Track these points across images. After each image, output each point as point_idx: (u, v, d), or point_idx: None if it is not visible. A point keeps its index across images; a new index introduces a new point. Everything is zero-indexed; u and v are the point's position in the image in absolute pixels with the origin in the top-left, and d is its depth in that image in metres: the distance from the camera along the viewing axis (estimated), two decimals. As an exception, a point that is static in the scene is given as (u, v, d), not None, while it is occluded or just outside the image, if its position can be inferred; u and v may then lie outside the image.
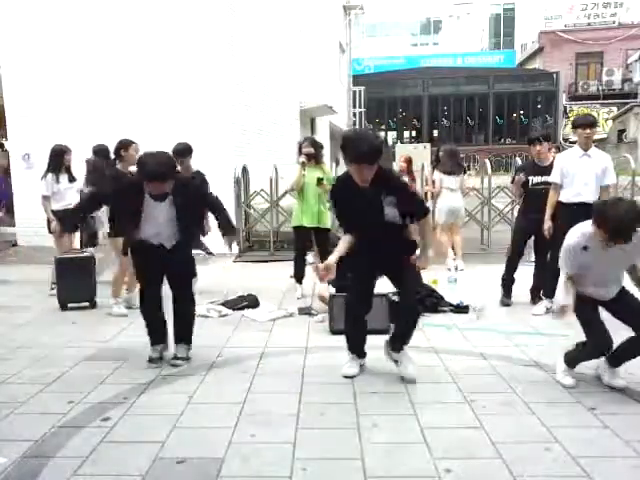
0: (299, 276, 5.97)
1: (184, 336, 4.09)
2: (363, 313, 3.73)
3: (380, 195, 3.47)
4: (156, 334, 4.09)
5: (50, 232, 6.13)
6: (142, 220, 3.85)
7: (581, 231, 3.32)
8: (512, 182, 5.93)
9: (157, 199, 3.80)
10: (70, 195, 6.23)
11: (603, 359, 3.50)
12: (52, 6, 9.05)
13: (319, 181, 5.64)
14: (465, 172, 7.40)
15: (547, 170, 5.24)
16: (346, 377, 3.67)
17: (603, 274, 3.40)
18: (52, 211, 6.13)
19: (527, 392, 3.38)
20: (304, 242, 6.01)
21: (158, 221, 3.85)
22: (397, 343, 3.69)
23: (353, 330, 3.80)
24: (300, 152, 5.87)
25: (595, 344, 3.44)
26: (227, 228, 4.13)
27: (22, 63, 9.23)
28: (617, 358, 3.46)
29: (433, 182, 7.51)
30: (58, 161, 6.17)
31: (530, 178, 5.40)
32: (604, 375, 3.50)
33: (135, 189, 3.83)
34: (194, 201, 4.02)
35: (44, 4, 9.08)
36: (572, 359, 3.56)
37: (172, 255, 3.95)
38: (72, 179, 6.23)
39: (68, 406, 3.28)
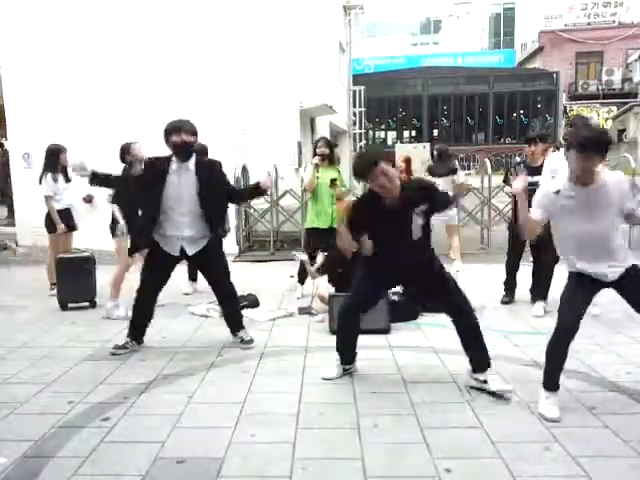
0: (302, 277, 5.94)
1: (240, 324, 4.45)
2: (358, 320, 3.60)
3: (409, 209, 3.32)
4: (139, 330, 4.32)
5: (49, 232, 6.17)
6: (164, 199, 4.03)
7: (558, 175, 3.25)
8: (504, 181, 5.93)
9: (182, 160, 4.04)
10: (68, 195, 6.24)
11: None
12: (52, 6, 9.05)
13: (332, 182, 5.63)
14: (455, 172, 7.29)
15: (539, 170, 5.30)
16: (324, 379, 3.63)
17: (585, 238, 3.05)
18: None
19: (527, 392, 3.38)
20: (316, 244, 5.85)
21: (181, 197, 4.03)
22: (476, 362, 3.43)
23: (344, 335, 3.69)
24: (315, 153, 5.85)
25: (558, 322, 3.24)
26: (253, 191, 4.50)
27: (22, 63, 9.24)
28: None
29: None
30: (54, 161, 6.18)
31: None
32: None
33: (160, 163, 4.10)
34: (217, 180, 4.22)
35: (44, 4, 9.08)
36: (546, 376, 3.20)
37: (197, 256, 4.20)
38: (68, 179, 6.24)
39: (68, 406, 3.29)
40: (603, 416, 3.05)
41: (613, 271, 3.09)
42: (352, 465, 2.62)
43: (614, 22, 32.94)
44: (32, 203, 6.65)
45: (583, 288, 3.17)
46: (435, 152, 7.58)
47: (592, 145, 2.89)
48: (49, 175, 6.14)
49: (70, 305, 5.62)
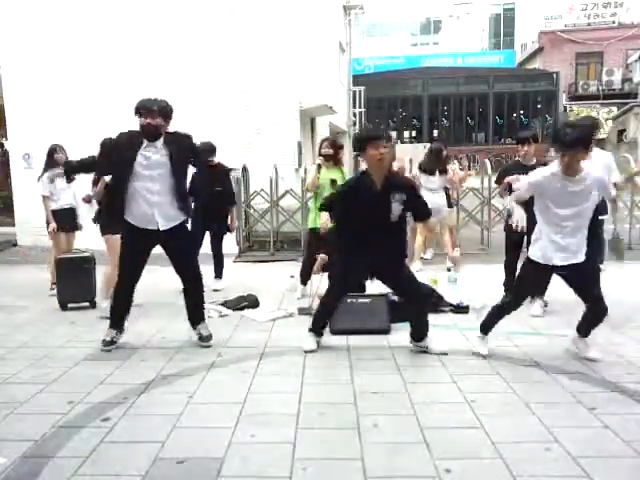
0: (304, 277, 5.93)
1: (202, 316, 4.48)
2: (337, 305, 4.30)
3: (390, 195, 3.90)
4: (120, 319, 4.39)
5: (48, 232, 6.20)
6: (133, 175, 4.06)
7: (548, 167, 3.73)
8: (496, 181, 5.93)
9: (150, 141, 4.06)
10: (67, 196, 6.24)
11: (575, 333, 3.93)
12: (52, 6, 9.05)
13: (332, 182, 5.61)
14: (446, 172, 7.29)
15: (531, 169, 5.29)
16: (306, 351, 4.11)
17: (564, 216, 3.65)
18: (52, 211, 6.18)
19: (527, 392, 3.38)
20: (318, 244, 5.84)
21: (152, 175, 4.06)
22: (415, 334, 4.18)
23: (324, 315, 4.30)
24: (319, 153, 5.85)
25: (514, 295, 3.97)
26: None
27: (22, 63, 9.24)
28: (584, 329, 3.90)
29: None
30: (50, 161, 6.23)
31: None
32: (578, 347, 3.93)
33: (131, 140, 4.13)
34: (187, 154, 4.25)
35: (44, 4, 9.09)
36: (486, 324, 4.04)
37: (169, 236, 4.18)
38: (69, 180, 6.24)
39: (68, 406, 3.28)
40: (603, 416, 3.05)
41: (572, 250, 3.70)
42: (352, 465, 2.62)
43: (614, 23, 32.95)
44: (32, 203, 6.64)
45: (543, 272, 3.83)
46: (428, 150, 7.59)
47: (575, 142, 3.40)
48: (45, 175, 6.19)
49: (70, 305, 5.62)
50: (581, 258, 3.71)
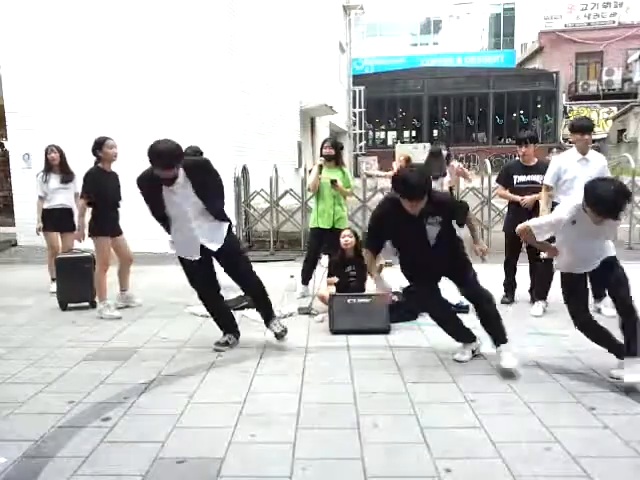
0: (306, 277, 5.93)
1: (269, 312, 4.39)
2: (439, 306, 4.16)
3: (423, 219, 3.72)
4: (228, 326, 4.41)
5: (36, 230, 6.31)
6: (169, 213, 4.05)
7: (574, 205, 3.45)
8: (497, 181, 5.94)
9: (169, 185, 3.93)
10: (62, 196, 6.26)
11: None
12: (52, 7, 9.05)
13: (333, 182, 5.62)
14: (445, 175, 7.31)
15: (532, 169, 5.33)
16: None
17: (587, 249, 3.57)
18: (43, 210, 6.27)
19: (527, 392, 3.38)
20: (319, 244, 5.89)
21: (183, 208, 4.01)
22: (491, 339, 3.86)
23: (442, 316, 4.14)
24: (321, 153, 5.87)
25: (573, 317, 3.66)
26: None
27: (22, 63, 9.23)
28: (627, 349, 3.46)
29: None
30: (45, 161, 6.29)
31: (515, 177, 5.44)
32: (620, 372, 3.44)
33: (151, 184, 3.96)
34: (209, 177, 4.09)
35: (44, 4, 9.08)
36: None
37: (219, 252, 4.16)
38: (66, 180, 6.24)
39: (68, 406, 3.29)
40: (603, 416, 3.05)
41: (596, 263, 3.62)
42: (352, 465, 2.62)
43: (614, 22, 32.97)
44: (32, 203, 6.64)
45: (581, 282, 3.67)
46: (428, 154, 7.62)
47: (606, 209, 3.26)
48: (39, 175, 6.28)
49: (70, 305, 5.62)
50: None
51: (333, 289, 5.15)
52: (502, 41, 43.00)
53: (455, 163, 8.23)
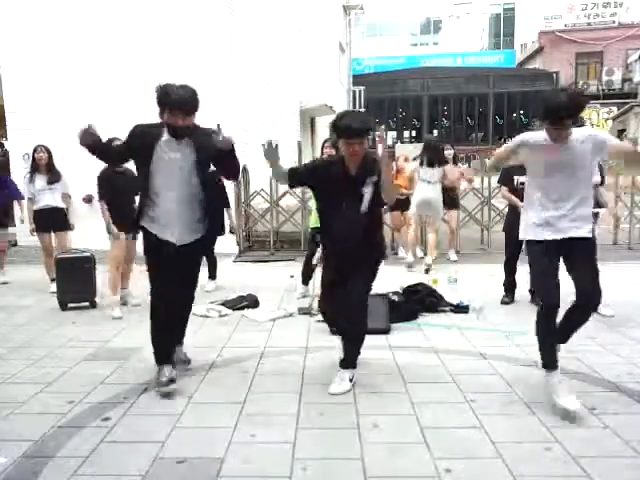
0: (306, 277, 5.93)
1: (183, 336, 3.93)
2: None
3: (363, 182, 3.44)
4: (168, 351, 3.62)
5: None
6: (153, 172, 3.39)
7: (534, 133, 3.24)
8: (498, 181, 5.93)
9: (176, 138, 3.37)
10: (48, 196, 6.25)
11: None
12: (52, 7, 9.05)
13: None
14: (441, 164, 7.26)
15: None
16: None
17: (558, 188, 3.18)
18: (33, 211, 6.30)
19: (527, 392, 3.38)
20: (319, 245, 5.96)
21: (174, 171, 3.38)
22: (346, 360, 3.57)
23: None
24: (322, 152, 5.90)
25: (542, 299, 3.24)
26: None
27: (22, 63, 9.23)
28: (562, 334, 3.31)
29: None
30: (32, 161, 6.31)
31: (516, 178, 5.43)
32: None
33: (149, 132, 3.44)
34: (213, 153, 3.42)
35: (44, 4, 9.08)
36: (543, 355, 3.25)
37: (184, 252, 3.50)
38: (52, 180, 6.22)
39: (68, 406, 3.29)
40: (603, 416, 3.05)
41: (571, 219, 3.17)
42: (352, 465, 2.62)
43: (614, 22, 32.95)
44: (32, 203, 6.64)
45: (546, 252, 3.21)
46: (423, 143, 7.64)
47: (566, 113, 2.98)
48: (26, 176, 6.35)
49: (70, 305, 5.63)
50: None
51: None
52: (502, 41, 42.97)
53: (463, 166, 8.23)
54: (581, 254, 3.22)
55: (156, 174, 3.42)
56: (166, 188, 3.43)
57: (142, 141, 3.43)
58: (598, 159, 3.36)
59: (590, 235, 3.23)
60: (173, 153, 3.41)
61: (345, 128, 3.41)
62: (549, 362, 3.22)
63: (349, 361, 3.56)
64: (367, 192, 3.45)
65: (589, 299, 3.21)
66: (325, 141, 6.08)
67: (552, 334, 3.24)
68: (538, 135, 3.20)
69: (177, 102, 3.33)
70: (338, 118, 3.52)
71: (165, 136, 3.40)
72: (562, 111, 2.99)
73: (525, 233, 3.35)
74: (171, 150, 3.41)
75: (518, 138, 3.32)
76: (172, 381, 3.45)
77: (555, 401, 3.10)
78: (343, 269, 3.55)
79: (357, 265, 3.51)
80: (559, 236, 3.20)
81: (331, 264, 3.72)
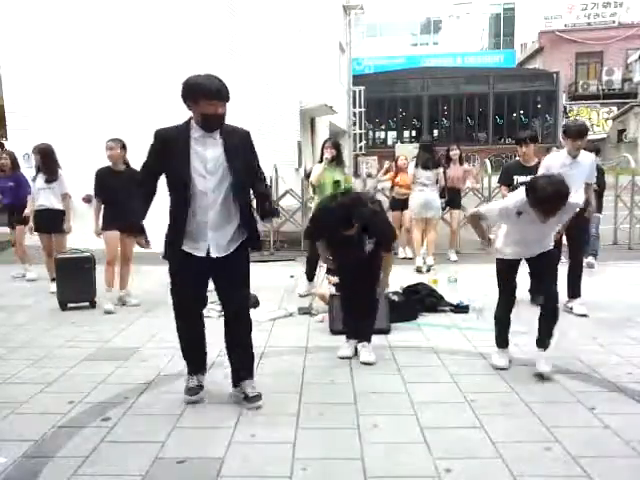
0: (310, 274, 5.96)
1: (251, 371, 3.40)
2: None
3: (362, 240, 3.86)
4: (195, 360, 3.42)
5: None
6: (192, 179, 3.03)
7: (521, 199, 3.50)
8: (498, 181, 5.94)
9: (208, 131, 3.11)
10: (43, 196, 6.25)
11: (535, 348, 3.73)
12: (52, 7, 9.05)
13: (336, 183, 5.70)
14: (439, 166, 7.29)
15: (532, 170, 5.31)
16: (341, 357, 4.02)
17: (529, 238, 3.66)
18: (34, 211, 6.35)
19: (527, 392, 3.38)
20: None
21: (206, 166, 3.05)
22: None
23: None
24: (322, 152, 5.97)
25: (501, 296, 3.92)
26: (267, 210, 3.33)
27: (22, 63, 9.23)
28: (540, 339, 3.73)
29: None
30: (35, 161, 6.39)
31: (515, 177, 5.45)
32: (538, 363, 3.65)
33: (177, 133, 3.14)
34: (245, 149, 3.25)
35: (44, 4, 9.08)
36: (497, 336, 3.94)
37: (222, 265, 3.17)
38: (49, 180, 6.22)
39: (68, 406, 3.28)
40: (603, 416, 3.05)
41: (534, 252, 3.73)
42: (352, 465, 2.62)
43: (614, 22, 32.98)
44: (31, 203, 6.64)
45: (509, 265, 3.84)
46: (419, 146, 7.66)
47: (553, 203, 3.31)
48: (33, 175, 6.40)
49: (70, 305, 5.63)
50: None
51: (333, 289, 5.15)
52: (502, 41, 42.98)
53: (469, 167, 8.28)
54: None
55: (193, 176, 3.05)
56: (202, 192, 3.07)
57: (175, 141, 3.08)
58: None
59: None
60: (209, 149, 3.11)
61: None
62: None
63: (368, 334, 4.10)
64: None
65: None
66: (325, 141, 6.11)
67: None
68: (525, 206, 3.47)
69: (215, 88, 3.09)
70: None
71: (196, 132, 3.11)
72: (552, 202, 3.31)
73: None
74: (205, 147, 3.10)
75: (505, 206, 3.67)
76: (200, 389, 3.33)
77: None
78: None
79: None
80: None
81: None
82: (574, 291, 5.16)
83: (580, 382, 3.54)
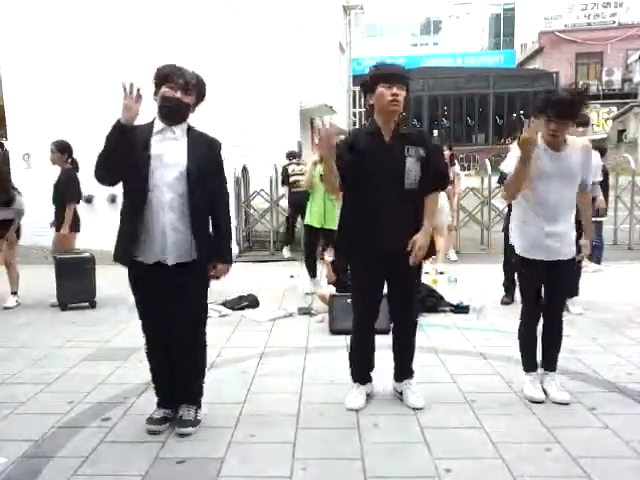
0: (312, 272, 5.98)
1: (195, 395, 3.11)
2: (371, 326, 3.27)
3: (404, 151, 2.96)
4: (163, 388, 3.08)
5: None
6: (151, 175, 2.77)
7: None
8: (498, 181, 5.93)
9: (167, 122, 2.88)
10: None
11: (541, 372, 3.42)
12: (52, 6, 9.05)
13: (322, 177, 5.64)
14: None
15: None
16: (350, 409, 3.18)
17: (550, 202, 3.15)
18: None
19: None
20: (313, 240, 6.08)
21: (164, 162, 2.80)
22: (399, 372, 3.36)
23: (357, 355, 3.34)
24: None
25: (525, 305, 3.44)
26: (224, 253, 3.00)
27: (22, 63, 9.23)
28: (546, 361, 3.42)
29: None
30: None
31: None
32: (549, 389, 3.34)
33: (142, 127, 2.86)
34: (210, 160, 2.98)
35: (44, 4, 9.08)
36: (524, 357, 3.45)
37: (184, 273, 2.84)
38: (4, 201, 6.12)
39: (68, 406, 3.29)
40: (603, 416, 3.05)
41: (560, 236, 3.19)
42: (352, 465, 2.62)
43: (614, 22, 32.95)
44: (32, 204, 6.63)
45: (535, 278, 3.34)
46: None
47: (565, 109, 3.00)
48: None
49: (70, 305, 5.63)
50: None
51: (333, 289, 5.16)
52: (502, 41, 42.97)
53: (459, 170, 8.29)
54: None
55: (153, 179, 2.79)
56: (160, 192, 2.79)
57: (136, 138, 2.81)
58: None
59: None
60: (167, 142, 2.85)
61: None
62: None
63: (408, 371, 3.34)
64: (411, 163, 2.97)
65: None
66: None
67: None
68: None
69: (178, 70, 2.86)
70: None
71: (157, 126, 2.87)
72: (565, 105, 2.98)
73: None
74: (162, 142, 2.85)
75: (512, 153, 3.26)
76: (165, 420, 2.98)
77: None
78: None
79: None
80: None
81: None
82: (572, 290, 5.12)
83: (580, 382, 3.54)
